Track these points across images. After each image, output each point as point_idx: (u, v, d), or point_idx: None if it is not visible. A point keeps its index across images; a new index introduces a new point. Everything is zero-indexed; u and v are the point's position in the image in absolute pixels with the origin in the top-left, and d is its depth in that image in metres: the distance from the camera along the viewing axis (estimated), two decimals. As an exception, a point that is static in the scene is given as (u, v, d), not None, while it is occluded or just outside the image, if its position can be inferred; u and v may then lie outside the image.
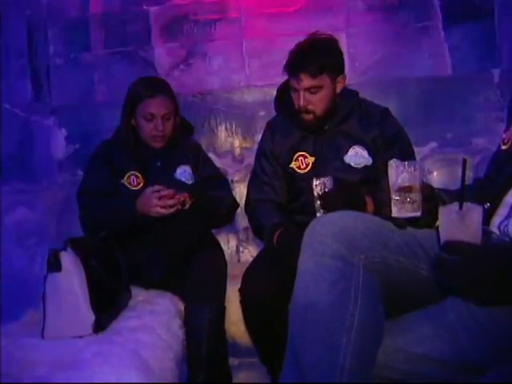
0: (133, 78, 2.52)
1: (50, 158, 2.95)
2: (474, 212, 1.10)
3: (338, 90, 2.23)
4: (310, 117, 2.21)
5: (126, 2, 3.13)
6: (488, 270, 1.00)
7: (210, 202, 2.32)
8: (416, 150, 2.50)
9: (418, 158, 2.60)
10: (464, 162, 1.16)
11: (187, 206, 2.22)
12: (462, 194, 1.12)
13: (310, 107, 2.19)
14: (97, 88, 3.13)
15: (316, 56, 2.15)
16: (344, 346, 1.10)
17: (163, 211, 2.19)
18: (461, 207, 1.10)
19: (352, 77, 2.99)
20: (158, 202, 2.19)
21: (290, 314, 1.21)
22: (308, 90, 2.17)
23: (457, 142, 2.95)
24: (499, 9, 3.00)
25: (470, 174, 1.53)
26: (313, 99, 2.18)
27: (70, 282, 1.79)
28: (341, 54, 2.25)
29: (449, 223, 1.11)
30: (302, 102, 2.18)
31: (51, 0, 3.08)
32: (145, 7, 3.12)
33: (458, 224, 1.09)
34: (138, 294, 2.15)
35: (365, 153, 2.26)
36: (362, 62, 3.08)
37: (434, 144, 2.98)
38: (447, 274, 1.04)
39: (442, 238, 1.10)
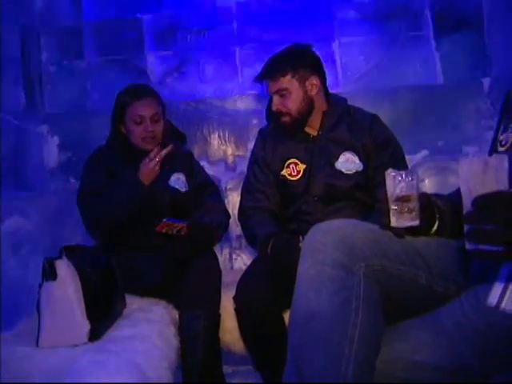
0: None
1: (42, 166, 2.94)
2: (503, 159, 1.01)
3: (314, 91, 2.28)
4: (286, 118, 2.28)
5: (120, 10, 3.14)
6: None
7: (205, 233, 2.33)
8: (408, 157, 2.53)
9: (409, 165, 2.63)
10: (508, 94, 1.13)
11: (183, 233, 2.24)
12: (495, 137, 1.07)
13: (283, 110, 2.27)
14: (90, 96, 3.13)
15: (275, 61, 2.27)
16: (346, 356, 1.10)
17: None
18: (491, 153, 1.05)
19: (344, 85, 3.04)
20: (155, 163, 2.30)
21: (291, 323, 1.21)
22: (278, 93, 2.26)
23: (448, 150, 2.98)
24: (488, 19, 3.04)
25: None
26: (285, 102, 2.26)
27: (66, 290, 1.79)
28: (310, 57, 2.32)
29: (474, 175, 1.00)
30: (274, 106, 2.28)
31: (45, 8, 3.09)
32: (138, 15, 3.13)
33: (486, 175, 0.98)
34: (133, 303, 2.16)
35: (355, 158, 2.29)
36: (355, 71, 3.10)
37: (425, 152, 3.01)
38: (487, 233, 0.90)
39: (470, 194, 0.97)
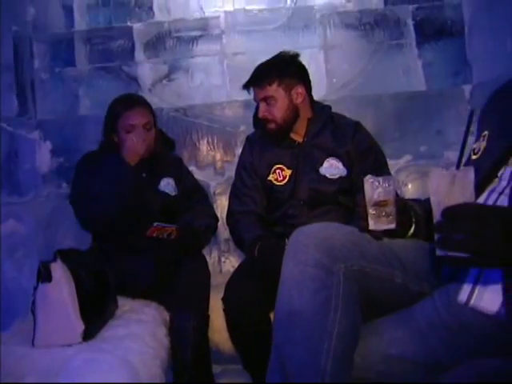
0: (116, 93, 2.60)
1: (35, 171, 2.98)
2: (469, 172, 1.08)
3: (299, 100, 2.35)
4: (272, 125, 2.35)
5: (110, 18, 3.18)
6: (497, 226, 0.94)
7: (194, 236, 2.40)
8: (391, 162, 2.60)
9: (393, 170, 2.71)
10: (471, 113, 1.16)
11: (172, 236, 2.31)
12: (462, 152, 1.11)
13: (269, 117, 2.34)
14: (81, 102, 3.16)
15: (263, 69, 2.34)
16: (326, 350, 1.16)
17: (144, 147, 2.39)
18: (458, 166, 1.10)
19: (329, 92, 3.11)
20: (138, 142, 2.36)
21: (275, 320, 1.28)
22: (264, 100, 2.33)
23: (430, 155, 3.04)
24: (469, 27, 3.11)
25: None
26: (271, 109, 2.33)
27: (60, 292, 1.84)
28: (296, 66, 2.38)
29: (443, 187, 1.07)
30: (260, 113, 2.34)
31: (37, 16, 3.12)
32: (129, 24, 3.17)
33: (454, 187, 1.05)
34: (125, 304, 2.20)
35: (339, 164, 2.35)
36: (340, 78, 3.15)
37: (408, 157, 3.06)
38: (455, 241, 0.95)
39: (439, 205, 1.03)
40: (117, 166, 2.35)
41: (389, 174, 2.33)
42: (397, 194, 1.38)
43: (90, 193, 2.34)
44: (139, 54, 3.17)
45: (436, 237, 1.00)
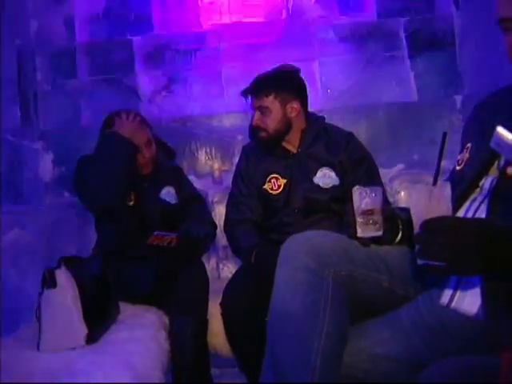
0: (117, 104, 2.67)
1: (37, 181, 3.05)
2: (446, 187, 1.15)
3: (293, 114, 2.42)
4: (263, 134, 2.42)
5: (111, 31, 3.25)
6: (473, 237, 1.01)
7: (194, 244, 2.46)
8: (384, 171, 2.66)
9: (386, 179, 2.76)
10: (444, 135, 1.22)
11: (172, 244, 2.37)
12: (437, 170, 1.17)
13: (262, 125, 2.40)
14: (83, 113, 3.23)
15: (262, 80, 2.41)
16: (315, 349, 1.24)
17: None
18: (435, 183, 1.16)
19: (324, 103, 3.18)
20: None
21: (268, 321, 1.35)
22: (259, 109, 2.40)
23: (423, 164, 3.10)
24: (460, 39, 3.19)
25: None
26: (264, 119, 2.40)
27: (65, 297, 1.90)
28: (295, 82, 2.45)
29: (421, 202, 1.15)
30: (254, 121, 2.42)
31: (39, 30, 3.20)
32: (129, 37, 3.24)
33: (431, 202, 1.13)
34: (126, 309, 2.27)
35: (332, 174, 2.42)
36: (334, 89, 3.23)
37: (401, 165, 3.13)
38: (433, 251, 1.02)
39: (419, 219, 1.10)
40: (113, 140, 2.40)
41: (380, 183, 2.40)
42: (388, 203, 1.45)
43: (92, 173, 2.39)
44: (139, 66, 3.24)
45: (416, 247, 1.08)
